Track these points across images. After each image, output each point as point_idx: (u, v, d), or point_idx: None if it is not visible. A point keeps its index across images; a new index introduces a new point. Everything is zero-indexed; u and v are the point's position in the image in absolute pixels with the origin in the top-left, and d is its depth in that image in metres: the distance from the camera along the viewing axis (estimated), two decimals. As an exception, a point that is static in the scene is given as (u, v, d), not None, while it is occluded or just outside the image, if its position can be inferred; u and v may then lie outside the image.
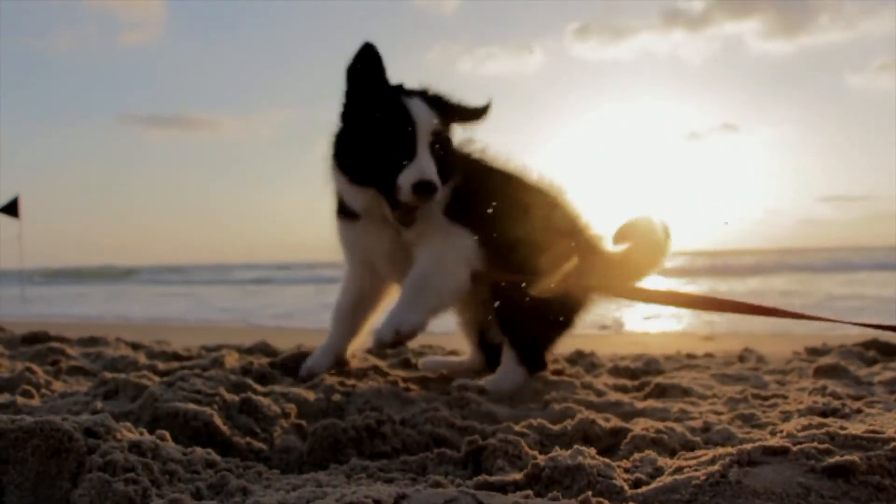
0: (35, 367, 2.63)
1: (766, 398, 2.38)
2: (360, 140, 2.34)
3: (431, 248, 2.41)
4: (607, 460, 1.39)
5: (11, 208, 12.39)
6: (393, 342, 2.29)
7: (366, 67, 2.31)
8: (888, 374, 2.70)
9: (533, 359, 2.58)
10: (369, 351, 3.67)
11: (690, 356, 3.75)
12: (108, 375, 2.26)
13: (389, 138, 2.26)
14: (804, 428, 1.59)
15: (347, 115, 2.40)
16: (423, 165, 2.22)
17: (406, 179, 2.21)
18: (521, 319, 2.50)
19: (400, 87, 2.36)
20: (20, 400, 2.12)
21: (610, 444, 1.82)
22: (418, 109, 2.28)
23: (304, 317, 9.56)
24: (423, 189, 2.20)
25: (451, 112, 2.40)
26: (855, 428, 1.49)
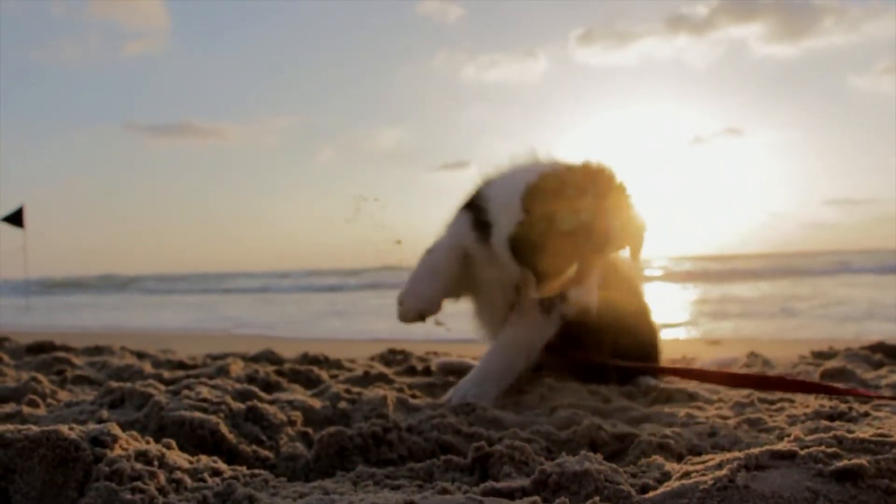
0: (40, 376, 2.64)
1: (772, 402, 2.37)
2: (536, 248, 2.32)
3: (525, 322, 2.49)
4: (614, 466, 1.39)
5: (16, 218, 12.44)
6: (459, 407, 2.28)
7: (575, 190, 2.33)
8: (895, 377, 2.69)
9: None
10: (373, 358, 3.68)
11: (695, 361, 3.74)
12: (114, 384, 2.27)
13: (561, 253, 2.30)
14: (811, 432, 1.59)
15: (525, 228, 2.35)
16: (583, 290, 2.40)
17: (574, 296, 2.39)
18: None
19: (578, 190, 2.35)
20: (26, 410, 2.12)
21: (617, 449, 1.82)
22: (588, 221, 2.30)
23: (307, 325, 9.57)
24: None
25: None
26: (863, 431, 1.49)
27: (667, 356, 3.80)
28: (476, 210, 2.52)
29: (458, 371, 2.91)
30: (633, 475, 1.45)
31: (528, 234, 2.34)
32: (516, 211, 2.34)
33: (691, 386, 2.67)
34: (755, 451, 1.35)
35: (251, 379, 2.67)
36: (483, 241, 2.47)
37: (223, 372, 2.87)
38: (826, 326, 7.19)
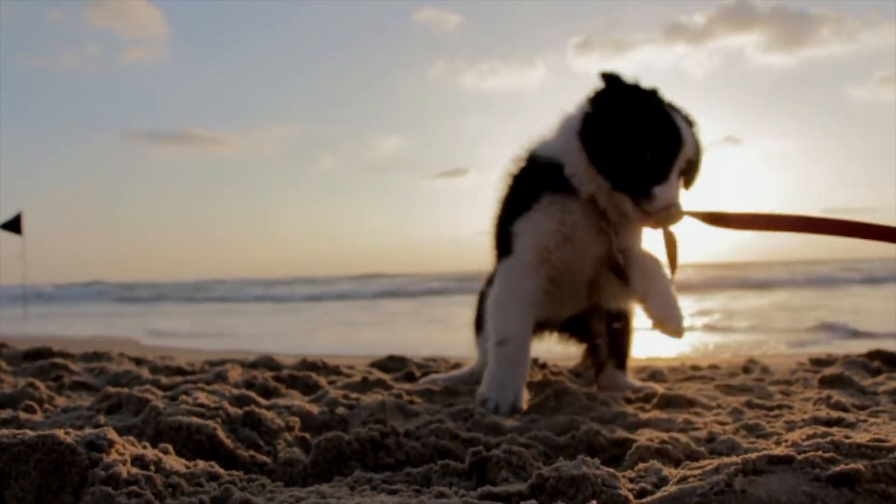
0: (38, 382, 2.63)
1: (770, 408, 2.37)
2: (624, 145, 2.33)
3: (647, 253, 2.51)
4: (612, 470, 1.39)
5: (14, 225, 12.43)
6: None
7: (624, 82, 2.38)
8: (893, 384, 2.69)
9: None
10: (373, 364, 3.67)
11: (695, 367, 3.74)
12: (111, 390, 2.26)
13: (656, 152, 2.32)
14: (809, 437, 1.59)
15: (613, 118, 2.37)
16: (675, 189, 2.34)
17: (663, 195, 2.30)
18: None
19: (665, 102, 2.41)
20: (23, 415, 2.12)
21: (614, 454, 1.82)
22: (686, 132, 2.35)
23: (306, 332, 9.56)
24: (673, 213, 2.34)
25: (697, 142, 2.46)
26: (860, 437, 1.49)
27: (667, 363, 3.80)
28: (538, 170, 2.50)
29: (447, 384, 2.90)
30: (631, 480, 1.45)
31: (603, 126, 2.35)
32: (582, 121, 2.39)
33: (690, 392, 2.67)
34: (752, 455, 1.35)
35: (249, 385, 2.66)
36: (560, 192, 2.43)
37: (221, 378, 2.86)
38: (823, 334, 7.19)
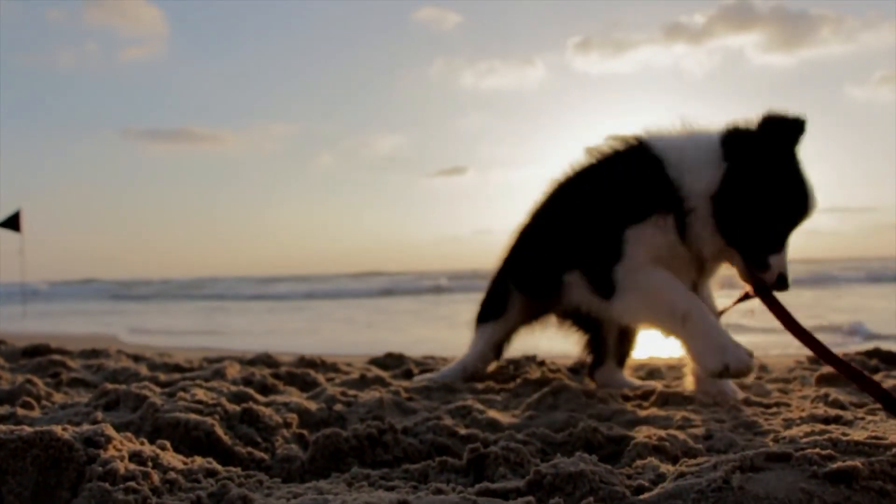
0: (36, 379, 2.63)
1: (768, 406, 2.37)
2: (757, 214, 2.27)
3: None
4: (609, 467, 1.39)
5: (13, 222, 12.42)
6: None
7: (788, 139, 2.28)
8: (891, 383, 2.68)
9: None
10: (371, 361, 3.67)
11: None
12: (109, 386, 2.26)
13: (786, 222, 2.28)
14: (806, 434, 1.59)
15: (751, 185, 2.27)
16: (786, 257, 2.29)
17: (777, 265, 2.27)
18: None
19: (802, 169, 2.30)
20: (20, 412, 2.12)
21: (612, 451, 1.82)
22: (815, 203, 2.28)
23: (303, 331, 9.56)
24: (783, 284, 2.28)
25: None
26: (857, 434, 1.49)
27: (665, 361, 3.80)
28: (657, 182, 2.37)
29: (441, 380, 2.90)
30: (629, 476, 1.45)
31: (739, 191, 2.25)
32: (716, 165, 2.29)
33: (688, 390, 2.67)
34: (750, 452, 1.35)
35: (247, 382, 2.66)
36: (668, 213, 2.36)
37: (219, 375, 2.86)
38: (820, 335, 7.19)
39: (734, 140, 2.32)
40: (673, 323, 2.31)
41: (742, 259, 2.33)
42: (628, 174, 2.48)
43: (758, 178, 2.26)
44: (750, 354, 2.19)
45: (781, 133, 2.28)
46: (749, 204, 2.26)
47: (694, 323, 2.26)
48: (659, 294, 2.35)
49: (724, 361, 2.17)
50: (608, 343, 2.92)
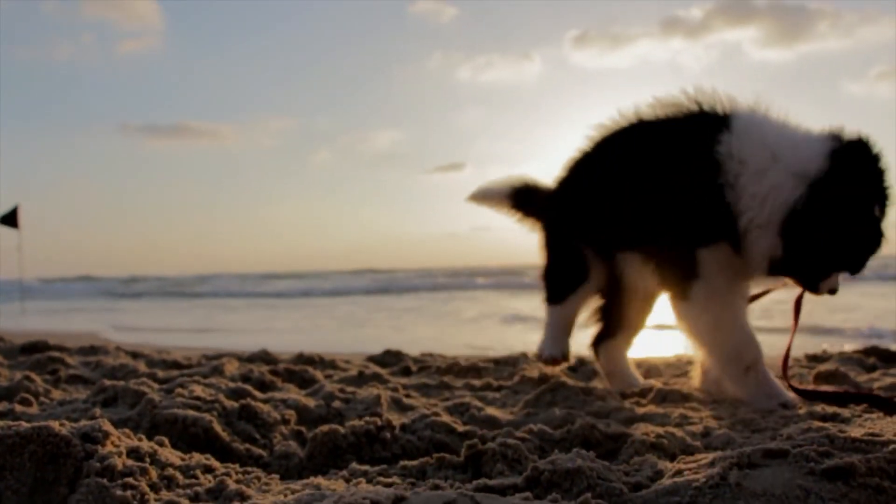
0: (34, 375, 2.63)
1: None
2: (825, 245, 2.09)
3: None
4: (606, 463, 1.39)
5: (11, 219, 12.40)
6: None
7: (873, 175, 2.10)
8: (888, 380, 2.69)
9: None
10: (370, 359, 3.68)
11: (691, 362, 3.74)
12: (107, 383, 2.26)
13: (852, 258, 2.15)
14: (804, 431, 1.59)
15: (828, 221, 2.06)
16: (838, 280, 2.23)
17: (832, 283, 2.19)
18: None
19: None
20: (18, 408, 2.11)
21: (610, 448, 1.82)
22: (881, 241, 2.14)
23: (299, 329, 9.55)
24: (832, 293, 2.24)
25: None
26: (854, 431, 1.49)
27: (663, 359, 3.81)
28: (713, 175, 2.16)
29: None
30: (626, 473, 1.45)
31: (818, 222, 2.04)
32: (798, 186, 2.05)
33: (686, 387, 2.67)
34: (747, 449, 1.35)
35: (245, 378, 2.66)
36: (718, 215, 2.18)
37: (218, 371, 2.86)
38: (820, 331, 7.20)
39: (845, 155, 2.07)
40: (734, 367, 2.31)
41: (795, 280, 2.25)
42: (701, 168, 2.23)
43: (847, 206, 2.06)
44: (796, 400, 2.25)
45: (871, 164, 2.11)
46: (829, 232, 2.07)
47: (756, 374, 2.29)
48: (731, 333, 2.29)
49: (782, 401, 2.24)
50: (626, 316, 2.74)
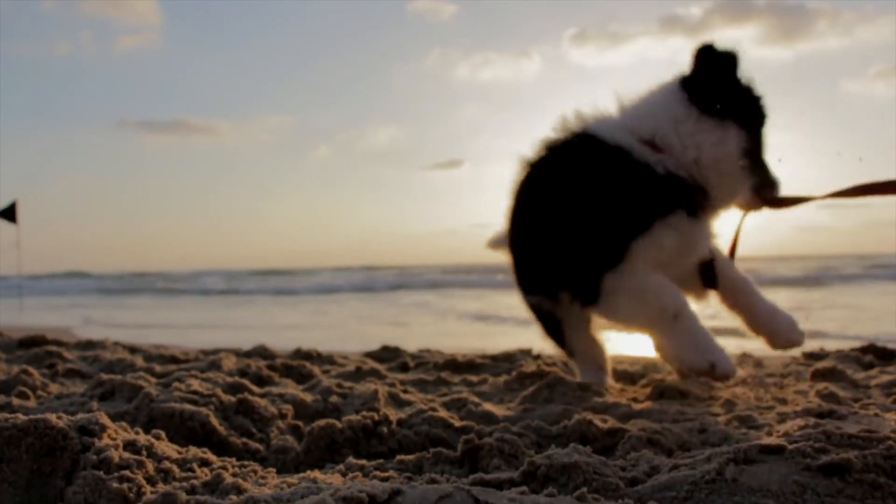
0: (31, 369, 2.63)
1: (762, 400, 2.37)
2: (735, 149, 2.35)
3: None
4: (603, 458, 1.39)
5: (9, 213, 12.37)
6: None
7: (732, 65, 2.43)
8: (885, 378, 2.70)
9: None
10: (367, 354, 3.68)
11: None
12: (105, 377, 2.26)
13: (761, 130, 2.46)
14: (800, 428, 1.59)
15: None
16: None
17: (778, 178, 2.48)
18: None
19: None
20: (16, 401, 2.12)
21: (607, 444, 1.82)
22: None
23: (297, 326, 9.56)
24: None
25: None
26: (851, 428, 1.49)
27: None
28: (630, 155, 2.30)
29: None
30: (623, 468, 1.45)
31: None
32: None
33: (683, 384, 2.67)
34: (744, 445, 1.35)
35: (243, 373, 2.66)
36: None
37: (215, 366, 2.86)
38: (817, 330, 7.21)
39: (696, 82, 2.41)
40: (663, 322, 2.29)
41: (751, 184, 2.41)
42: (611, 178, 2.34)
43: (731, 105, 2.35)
44: (732, 363, 2.27)
45: (727, 61, 2.41)
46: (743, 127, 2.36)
47: (684, 322, 2.27)
48: (647, 296, 2.31)
49: (710, 360, 2.22)
50: (588, 352, 2.72)
